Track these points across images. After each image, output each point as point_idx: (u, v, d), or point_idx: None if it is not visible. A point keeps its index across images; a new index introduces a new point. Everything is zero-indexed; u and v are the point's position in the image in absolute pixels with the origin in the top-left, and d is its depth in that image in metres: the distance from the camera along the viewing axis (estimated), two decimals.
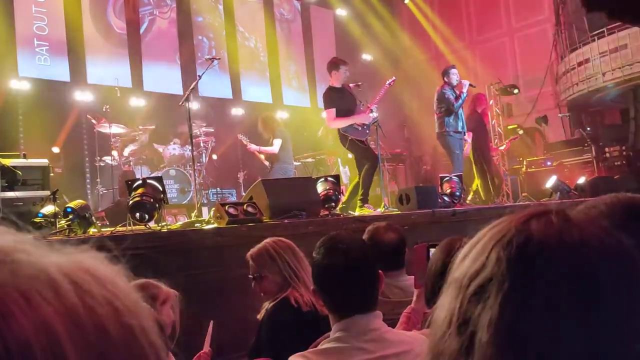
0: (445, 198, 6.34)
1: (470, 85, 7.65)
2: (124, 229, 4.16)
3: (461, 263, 0.61)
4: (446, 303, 0.60)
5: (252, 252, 2.54)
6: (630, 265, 0.57)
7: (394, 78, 7.04)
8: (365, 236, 2.77)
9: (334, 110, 6.41)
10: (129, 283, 0.44)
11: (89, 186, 8.68)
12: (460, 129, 7.54)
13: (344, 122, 6.42)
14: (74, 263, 0.41)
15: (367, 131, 6.47)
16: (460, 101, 7.47)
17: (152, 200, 4.16)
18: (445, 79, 7.66)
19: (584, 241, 0.56)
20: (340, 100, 6.48)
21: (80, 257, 0.42)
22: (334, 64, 6.59)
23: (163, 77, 10.07)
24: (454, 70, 7.70)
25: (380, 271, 1.81)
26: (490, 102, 10.10)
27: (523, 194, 9.05)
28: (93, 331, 0.37)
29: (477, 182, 8.31)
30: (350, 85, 7.35)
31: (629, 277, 0.56)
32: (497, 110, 10.17)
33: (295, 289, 2.40)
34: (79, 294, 0.38)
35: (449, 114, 7.47)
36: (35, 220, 3.91)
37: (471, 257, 0.60)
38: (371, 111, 6.51)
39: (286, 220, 4.42)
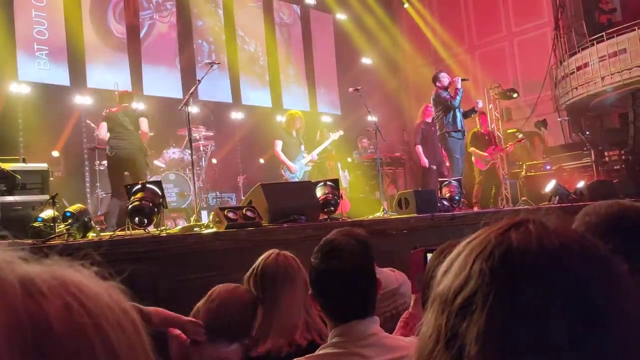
0: (445, 202, 6.33)
1: (462, 79, 7.80)
2: (122, 233, 4.16)
3: (443, 278, 0.62)
4: (432, 319, 0.60)
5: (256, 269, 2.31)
6: (610, 267, 0.58)
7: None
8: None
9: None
10: (112, 295, 0.46)
11: (88, 190, 8.68)
12: (459, 127, 7.60)
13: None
14: (43, 270, 0.43)
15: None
16: (458, 97, 7.57)
17: (151, 204, 4.16)
18: (437, 84, 7.83)
19: (564, 247, 0.57)
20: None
21: (55, 267, 0.45)
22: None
23: (163, 81, 10.09)
24: (443, 74, 7.88)
25: (378, 278, 1.81)
26: (490, 106, 10.12)
27: (522, 198, 9.05)
28: (33, 324, 0.39)
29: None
30: (350, 90, 7.39)
31: (611, 279, 0.57)
32: (497, 114, 10.18)
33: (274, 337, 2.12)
34: (27, 293, 0.41)
35: (448, 112, 7.54)
36: (34, 224, 3.91)
37: (453, 271, 0.60)
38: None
39: (285, 225, 4.42)
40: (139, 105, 9.29)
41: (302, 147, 8.04)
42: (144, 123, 6.72)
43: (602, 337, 0.53)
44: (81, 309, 0.42)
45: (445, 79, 7.79)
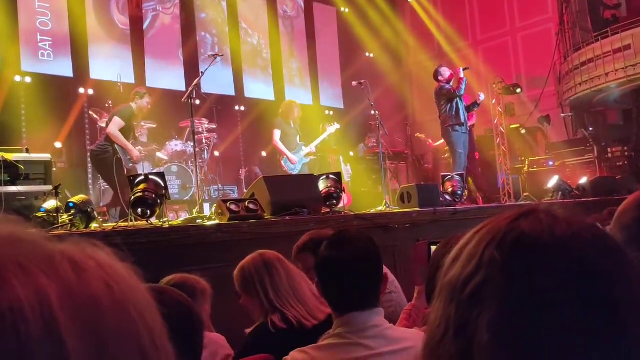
0: (447, 197, 6.34)
1: (464, 69, 7.79)
2: (125, 224, 4.16)
3: (451, 266, 0.61)
4: (441, 308, 0.60)
5: (237, 269, 2.47)
6: (621, 256, 0.58)
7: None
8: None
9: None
10: (133, 275, 0.47)
11: (91, 181, 8.68)
12: (462, 121, 7.57)
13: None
14: (76, 248, 0.44)
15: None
16: (462, 85, 7.56)
17: (154, 196, 4.17)
18: (439, 78, 7.82)
19: (576, 235, 0.57)
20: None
21: (84, 245, 0.46)
22: None
23: (166, 73, 10.06)
24: (443, 68, 7.91)
25: (385, 271, 1.82)
26: (493, 101, 10.09)
27: (525, 194, 9.03)
28: (85, 301, 0.40)
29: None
30: (353, 83, 7.37)
31: (622, 267, 0.57)
32: (500, 110, 10.15)
33: (277, 311, 2.26)
34: (74, 269, 0.42)
35: (450, 105, 7.52)
36: (37, 214, 3.92)
37: (463, 260, 0.60)
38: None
39: (287, 217, 4.43)
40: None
41: (298, 139, 7.94)
42: (113, 122, 6.30)
43: (613, 325, 0.53)
44: (119, 288, 0.43)
45: (446, 72, 7.81)
